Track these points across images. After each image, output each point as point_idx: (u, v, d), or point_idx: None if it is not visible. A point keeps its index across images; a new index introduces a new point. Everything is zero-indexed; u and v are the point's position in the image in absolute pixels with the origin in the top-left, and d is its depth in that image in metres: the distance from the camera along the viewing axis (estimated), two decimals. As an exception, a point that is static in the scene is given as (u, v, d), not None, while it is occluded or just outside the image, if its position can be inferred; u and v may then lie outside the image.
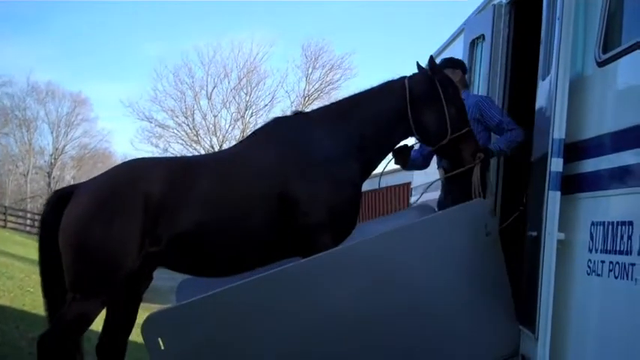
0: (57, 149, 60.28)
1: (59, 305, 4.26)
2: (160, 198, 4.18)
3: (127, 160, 5.02)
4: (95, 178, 4.69)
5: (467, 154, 4.50)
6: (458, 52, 6.38)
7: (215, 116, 43.07)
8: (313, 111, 5.00)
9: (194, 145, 42.25)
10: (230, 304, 3.59)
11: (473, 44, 5.55)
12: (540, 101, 4.01)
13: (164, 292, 18.85)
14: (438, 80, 4.52)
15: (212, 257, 4.38)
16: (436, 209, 5.08)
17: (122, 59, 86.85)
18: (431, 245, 3.89)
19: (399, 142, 4.80)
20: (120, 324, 4.52)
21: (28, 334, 8.68)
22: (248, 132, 42.15)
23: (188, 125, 42.46)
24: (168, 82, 43.42)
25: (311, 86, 42.42)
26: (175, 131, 42.91)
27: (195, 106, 43.06)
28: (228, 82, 43.56)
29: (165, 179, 4.28)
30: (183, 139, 42.64)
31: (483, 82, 4.96)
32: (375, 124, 4.53)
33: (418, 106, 4.50)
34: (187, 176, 4.36)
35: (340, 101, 4.92)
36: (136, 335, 10.42)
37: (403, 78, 4.69)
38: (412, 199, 15.68)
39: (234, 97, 43.25)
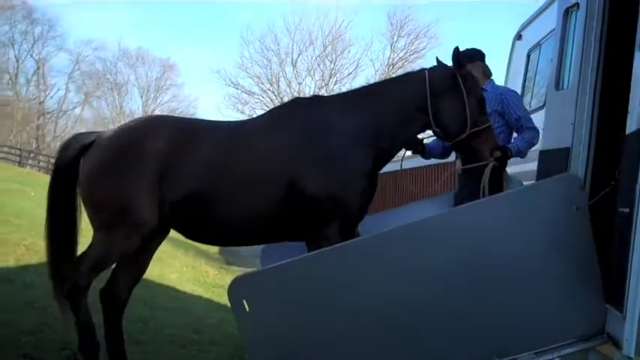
0: (146, 113, 62.23)
1: (65, 253, 4.74)
2: (165, 156, 4.38)
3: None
4: (112, 130, 4.88)
5: (484, 150, 4.48)
6: (550, 21, 6.18)
7: (300, 84, 43.47)
8: (331, 97, 5.00)
9: (278, 112, 42.51)
10: (315, 270, 3.62)
11: (566, 13, 5.35)
12: (638, 72, 3.85)
13: (247, 256, 19.37)
14: (460, 74, 4.49)
15: (207, 226, 4.56)
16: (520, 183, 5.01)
17: (210, 26, 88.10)
18: (520, 217, 3.81)
19: (416, 135, 4.79)
20: (128, 273, 4.88)
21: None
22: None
23: (273, 92, 42.97)
24: (254, 48, 43.94)
25: (395, 54, 42.09)
26: (260, 98, 43.60)
27: (281, 73, 43.59)
28: (314, 50, 43.86)
29: (172, 138, 4.45)
30: (268, 106, 42.99)
31: (577, 53, 4.78)
32: (391, 115, 4.51)
33: (438, 100, 4.47)
34: (194, 141, 4.48)
35: (358, 89, 4.91)
36: (217, 296, 10.70)
37: (423, 70, 4.69)
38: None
39: (318, 65, 43.49)
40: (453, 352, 3.69)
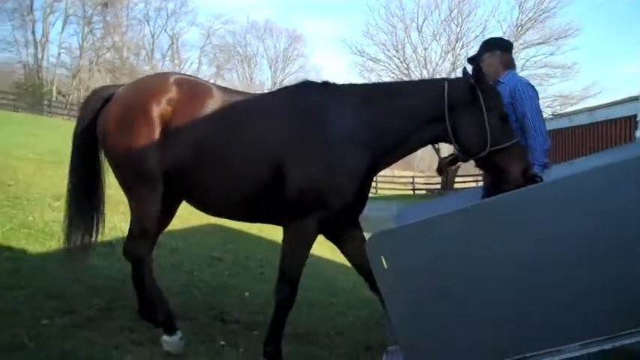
0: (275, 83, 64.40)
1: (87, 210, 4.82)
2: (167, 119, 4.42)
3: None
4: (127, 86, 4.86)
5: (510, 169, 4.17)
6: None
7: (425, 49, 42.87)
8: (343, 86, 4.61)
9: (404, 77, 42.24)
10: (450, 228, 3.61)
11: None
12: None
13: (376, 222, 19.51)
14: (481, 89, 4.22)
15: (196, 193, 4.62)
16: None
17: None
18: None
19: (426, 144, 4.51)
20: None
21: (259, 256, 9.42)
22: (459, 64, 41.35)
23: (399, 58, 42.67)
24: (379, 15, 43.85)
25: (524, 15, 40.37)
26: (386, 65, 43.40)
27: (406, 39, 43.08)
28: (439, 14, 43.04)
29: (175, 101, 4.46)
30: (393, 73, 42.96)
31: None
32: (401, 120, 4.30)
33: (456, 114, 4.24)
34: (194, 108, 4.45)
35: (371, 85, 4.82)
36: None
37: (444, 80, 4.42)
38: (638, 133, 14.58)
39: (444, 29, 42.71)
40: (575, 317, 3.58)
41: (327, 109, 4.35)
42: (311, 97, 4.45)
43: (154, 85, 4.59)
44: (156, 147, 4.38)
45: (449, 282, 3.58)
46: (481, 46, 5.20)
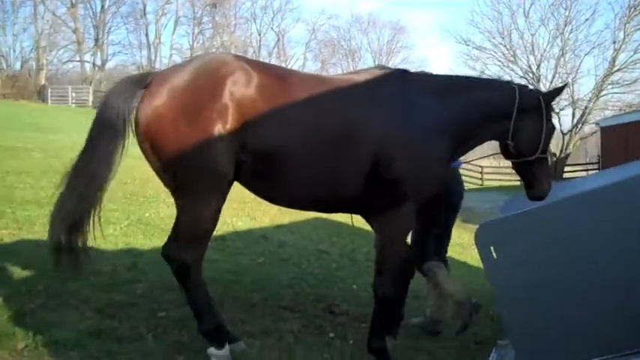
0: None
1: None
2: (249, 101, 3.85)
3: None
4: (175, 70, 4.03)
5: (542, 179, 4.52)
6: None
7: (532, 35, 41.56)
8: (424, 74, 4.66)
9: (511, 65, 41.43)
10: (560, 218, 3.51)
11: None
12: None
13: (482, 214, 19.18)
14: (544, 98, 4.53)
15: (276, 184, 4.12)
16: None
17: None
18: None
19: (490, 139, 4.63)
20: None
21: (365, 249, 9.47)
22: (568, 49, 39.94)
23: (505, 46, 41.54)
24: (484, 2, 43.04)
25: (639, -4, 38.25)
26: (492, 52, 42.33)
27: (512, 26, 41.93)
28: (547, -2, 41.46)
29: (258, 83, 3.92)
30: (500, 60, 41.93)
31: None
32: (477, 114, 4.43)
33: (522, 117, 4.47)
34: (280, 90, 4.01)
35: (452, 76, 4.75)
36: (457, 254, 10.63)
37: (514, 84, 4.65)
38: None
39: (552, 14, 41.15)
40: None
41: (418, 98, 4.33)
42: (399, 84, 4.41)
43: (221, 66, 3.93)
44: (230, 137, 3.79)
45: (559, 273, 3.48)
46: None
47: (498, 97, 4.50)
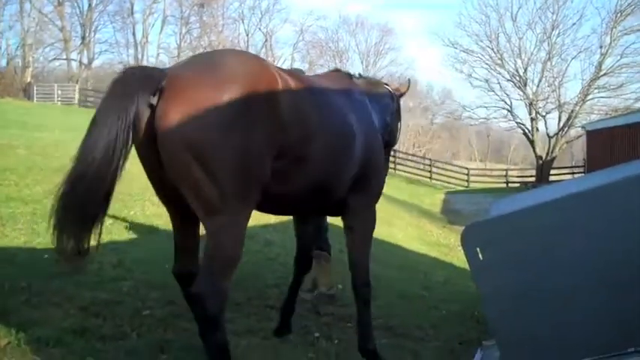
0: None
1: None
2: (286, 106, 3.45)
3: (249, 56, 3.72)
4: (201, 66, 3.40)
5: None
6: None
7: (520, 38, 41.77)
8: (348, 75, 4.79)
9: (498, 68, 41.61)
10: (547, 218, 3.51)
11: None
12: None
13: (468, 215, 19.28)
14: (397, 98, 5.23)
15: (285, 194, 3.70)
16: None
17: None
18: None
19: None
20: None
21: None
22: (555, 53, 40.15)
23: (492, 49, 41.72)
24: (472, 5, 43.33)
25: (623, 0, 38.56)
26: (479, 55, 42.54)
27: (500, 29, 42.07)
28: (534, 2, 41.76)
29: (291, 87, 3.58)
30: (487, 63, 42.13)
31: None
32: (390, 115, 5.04)
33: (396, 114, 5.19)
34: (310, 94, 3.81)
35: (363, 79, 4.99)
36: (442, 254, 10.64)
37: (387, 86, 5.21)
38: None
39: (539, 17, 41.37)
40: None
41: (367, 101, 4.61)
42: (359, 90, 4.62)
43: (256, 65, 3.50)
44: (273, 144, 3.38)
45: (545, 275, 3.48)
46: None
47: (387, 100, 5.04)
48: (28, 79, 46.05)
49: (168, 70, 3.33)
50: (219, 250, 3.30)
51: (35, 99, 41.49)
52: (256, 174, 3.32)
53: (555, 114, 40.59)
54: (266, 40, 63.96)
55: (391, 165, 41.78)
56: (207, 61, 3.51)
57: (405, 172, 41.16)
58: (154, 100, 3.15)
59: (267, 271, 6.77)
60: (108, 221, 7.56)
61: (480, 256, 3.45)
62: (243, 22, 63.49)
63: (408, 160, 45.28)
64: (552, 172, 39.37)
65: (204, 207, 3.27)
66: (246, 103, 3.23)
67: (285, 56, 66.10)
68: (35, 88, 43.06)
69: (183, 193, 3.27)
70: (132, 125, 3.10)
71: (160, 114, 3.13)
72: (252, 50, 62.22)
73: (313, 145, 3.65)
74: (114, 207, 8.21)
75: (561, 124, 39.75)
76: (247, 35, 63.75)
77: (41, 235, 6.25)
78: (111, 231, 7.22)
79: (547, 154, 39.51)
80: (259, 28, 64.10)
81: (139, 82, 3.19)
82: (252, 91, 3.29)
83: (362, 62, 67.25)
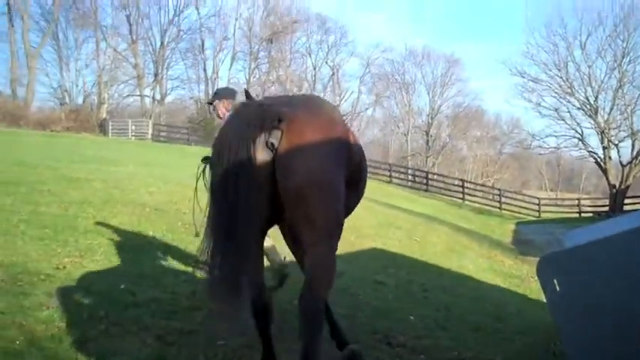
0: (433, 109, 65.35)
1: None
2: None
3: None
4: (320, 109, 3.98)
5: None
6: None
7: (589, 66, 40.85)
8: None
9: (567, 97, 40.79)
10: (627, 248, 3.43)
11: None
12: None
13: (540, 246, 18.87)
14: None
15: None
16: None
17: (492, 17, 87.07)
18: None
19: None
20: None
21: (421, 281, 9.40)
22: (626, 81, 39.18)
23: (561, 77, 40.97)
24: (540, 34, 42.69)
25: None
26: (548, 84, 41.84)
27: (569, 57, 41.32)
28: (603, 30, 40.85)
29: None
30: (556, 92, 41.38)
31: None
32: None
33: None
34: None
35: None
36: (514, 285, 10.40)
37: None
38: None
39: (609, 45, 40.42)
40: None
41: None
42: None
43: (335, 109, 4.34)
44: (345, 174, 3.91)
45: (626, 307, 3.39)
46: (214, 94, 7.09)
47: None
48: (104, 115, 47.66)
49: (281, 111, 3.64)
50: (325, 270, 3.70)
51: (110, 134, 42.92)
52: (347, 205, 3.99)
53: (628, 142, 39.60)
54: (333, 74, 64.65)
55: (459, 195, 41.79)
56: (308, 103, 4.14)
57: (473, 202, 40.68)
58: (274, 140, 3.56)
59: (338, 302, 6.75)
60: (181, 252, 7.72)
61: (557, 287, 3.40)
62: (310, 56, 64.33)
63: (477, 190, 44.73)
64: (627, 200, 38.25)
65: (319, 233, 3.63)
66: (347, 143, 3.90)
67: (352, 89, 66.73)
68: (110, 123, 44.53)
69: (296, 221, 3.72)
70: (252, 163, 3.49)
71: (284, 153, 3.56)
72: (319, 84, 63.09)
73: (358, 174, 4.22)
74: (187, 239, 8.39)
75: (635, 152, 38.70)
76: (314, 69, 64.52)
77: (119, 266, 6.43)
78: (185, 262, 7.36)
79: (621, 182, 38.50)
80: (326, 62, 64.81)
81: (257, 121, 3.56)
82: (347, 131, 4.00)
83: (428, 93, 67.26)
